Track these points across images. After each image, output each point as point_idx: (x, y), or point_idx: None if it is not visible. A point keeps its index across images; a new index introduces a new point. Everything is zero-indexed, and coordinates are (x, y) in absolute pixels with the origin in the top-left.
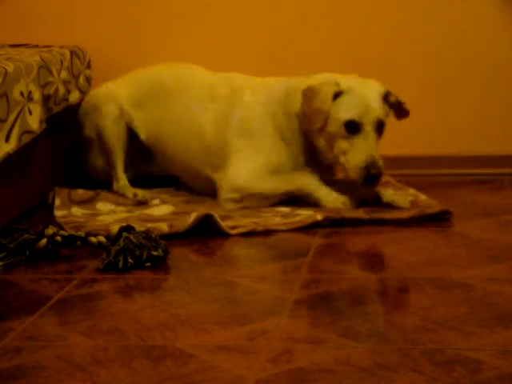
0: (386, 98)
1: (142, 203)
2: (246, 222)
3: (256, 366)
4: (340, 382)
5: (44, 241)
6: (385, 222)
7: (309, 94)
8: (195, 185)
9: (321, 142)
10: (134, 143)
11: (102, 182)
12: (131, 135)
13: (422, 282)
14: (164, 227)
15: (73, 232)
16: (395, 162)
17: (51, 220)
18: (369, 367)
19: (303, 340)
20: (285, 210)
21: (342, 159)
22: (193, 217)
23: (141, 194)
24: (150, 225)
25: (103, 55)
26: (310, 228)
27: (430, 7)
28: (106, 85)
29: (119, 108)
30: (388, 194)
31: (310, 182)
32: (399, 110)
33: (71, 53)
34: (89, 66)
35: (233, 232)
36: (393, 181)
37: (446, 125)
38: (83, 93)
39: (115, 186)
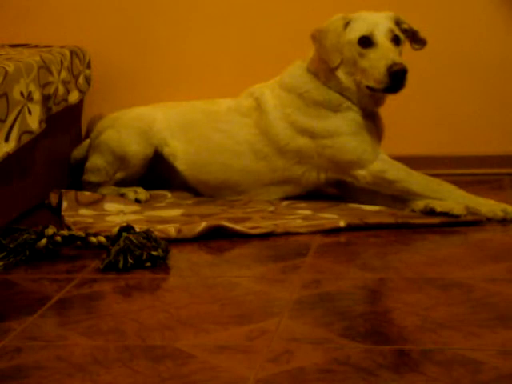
0: (397, 23)
1: (140, 201)
2: (267, 224)
3: (256, 366)
4: (340, 382)
5: (44, 241)
6: (412, 227)
7: (319, 35)
8: (251, 195)
9: (344, 78)
10: (157, 164)
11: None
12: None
13: (422, 281)
14: (172, 231)
15: (73, 232)
16: None
17: (51, 220)
18: (369, 367)
19: (303, 340)
20: (306, 212)
21: (365, 80)
22: (202, 226)
23: (141, 192)
24: (158, 227)
25: (103, 55)
26: (331, 232)
27: (430, 7)
28: (138, 107)
29: (150, 137)
30: (439, 203)
31: (463, 195)
32: (414, 38)
33: (71, 53)
34: (89, 66)
35: (252, 232)
36: None
37: (445, 125)
38: (83, 93)
39: (104, 191)
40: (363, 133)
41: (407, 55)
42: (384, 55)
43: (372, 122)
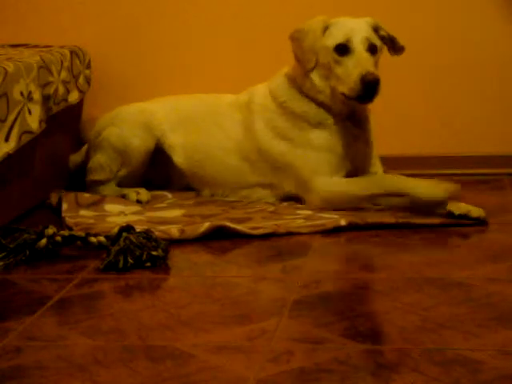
0: (376, 30)
1: (141, 202)
2: (268, 224)
3: (256, 366)
4: (340, 382)
5: (44, 241)
6: (413, 227)
7: (297, 35)
8: (238, 196)
9: (318, 81)
10: (157, 158)
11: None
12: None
13: (422, 282)
14: (175, 232)
15: (73, 232)
16: (396, 162)
17: (51, 220)
18: (369, 367)
19: (303, 340)
20: (307, 212)
21: (340, 87)
22: (205, 226)
23: (143, 193)
24: (161, 227)
25: (103, 55)
26: (332, 232)
27: (430, 7)
28: (137, 103)
29: (151, 130)
30: (457, 206)
31: (400, 181)
32: (393, 45)
33: (71, 53)
34: (89, 66)
35: (254, 232)
36: None
37: (446, 125)
38: (83, 93)
39: (107, 191)
40: (335, 150)
41: (410, 54)
42: (359, 63)
43: (354, 127)
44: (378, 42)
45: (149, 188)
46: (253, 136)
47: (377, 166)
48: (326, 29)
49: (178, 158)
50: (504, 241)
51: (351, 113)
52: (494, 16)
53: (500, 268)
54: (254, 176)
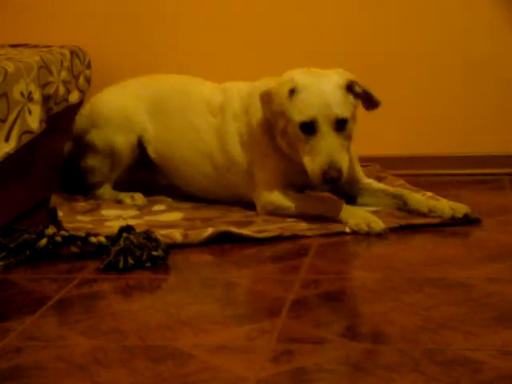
0: (350, 88)
1: (137, 205)
2: (273, 228)
3: (256, 366)
4: (340, 382)
5: (44, 241)
6: (412, 227)
7: (266, 97)
8: (217, 199)
9: (284, 145)
10: (141, 156)
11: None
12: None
13: (422, 281)
14: (178, 236)
15: (73, 232)
16: (395, 161)
17: (51, 220)
18: (369, 367)
19: (303, 340)
20: None
21: (304, 161)
22: (209, 231)
23: (139, 198)
24: (162, 232)
25: (103, 55)
26: (335, 235)
27: (429, 7)
28: (110, 93)
29: (131, 124)
30: (442, 210)
31: (335, 206)
32: (368, 100)
33: (71, 53)
34: (89, 66)
35: (260, 236)
36: (406, 184)
37: (446, 125)
38: (83, 93)
39: (99, 192)
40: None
41: (410, 54)
42: (324, 151)
43: None
44: (347, 113)
45: (147, 192)
46: (223, 144)
47: (359, 173)
48: (292, 92)
49: (152, 153)
50: (504, 241)
51: None
52: (494, 16)
53: (500, 268)
54: (223, 185)
